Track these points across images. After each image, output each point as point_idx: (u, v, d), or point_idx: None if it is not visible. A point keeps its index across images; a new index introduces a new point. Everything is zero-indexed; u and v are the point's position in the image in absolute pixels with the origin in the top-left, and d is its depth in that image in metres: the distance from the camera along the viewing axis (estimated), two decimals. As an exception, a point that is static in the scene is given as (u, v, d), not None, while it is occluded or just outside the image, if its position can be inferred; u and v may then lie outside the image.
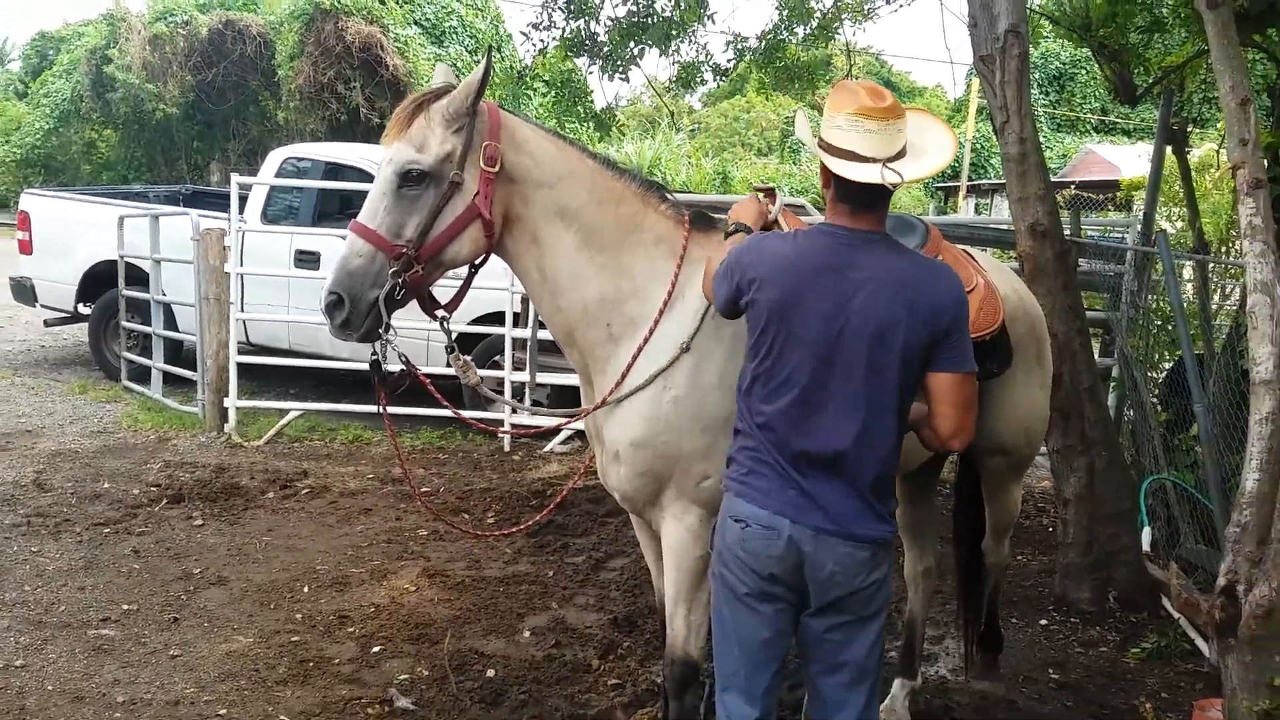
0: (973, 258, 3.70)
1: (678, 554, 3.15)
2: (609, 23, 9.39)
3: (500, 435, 8.22)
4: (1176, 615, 5.14)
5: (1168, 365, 6.86)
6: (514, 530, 5.33)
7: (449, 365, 3.21)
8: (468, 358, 3.25)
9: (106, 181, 25.33)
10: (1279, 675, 3.15)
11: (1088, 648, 5.04)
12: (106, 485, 6.89)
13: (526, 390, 8.06)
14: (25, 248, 10.76)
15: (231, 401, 8.36)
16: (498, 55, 23.51)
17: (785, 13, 9.93)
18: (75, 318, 10.90)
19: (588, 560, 5.87)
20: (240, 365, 8.44)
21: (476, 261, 3.15)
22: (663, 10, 9.43)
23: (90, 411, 9.05)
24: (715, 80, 10.84)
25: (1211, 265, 7.17)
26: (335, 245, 7.53)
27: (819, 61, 10.86)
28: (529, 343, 8.00)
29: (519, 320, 8.15)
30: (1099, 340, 7.97)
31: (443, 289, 3.15)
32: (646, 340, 3.11)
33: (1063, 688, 4.59)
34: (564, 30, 9.54)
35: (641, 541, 3.76)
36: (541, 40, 9.62)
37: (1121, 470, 5.49)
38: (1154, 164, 7.24)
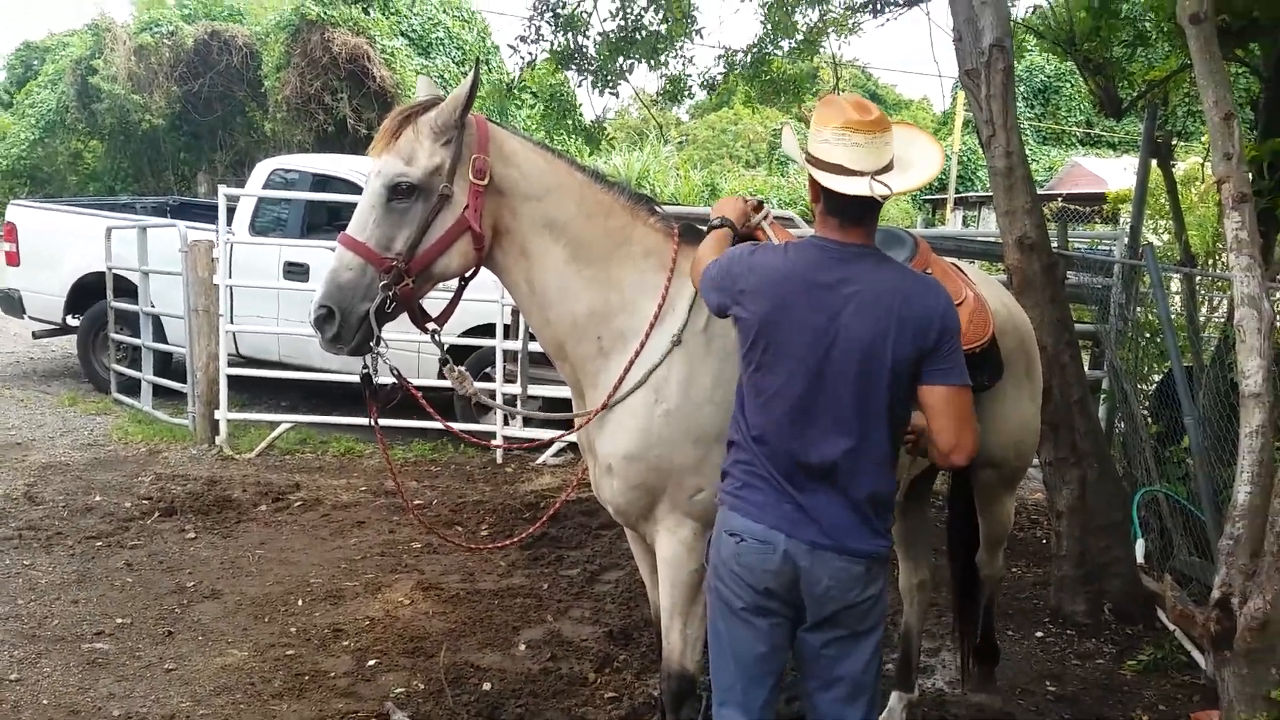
0: (962, 271, 3.72)
1: (672, 567, 3.16)
2: (598, 37, 9.41)
3: (493, 448, 8.21)
4: (1172, 627, 5.16)
5: (1157, 377, 6.90)
6: (508, 543, 5.33)
7: (441, 377, 3.22)
8: (463, 369, 3.26)
9: (93, 193, 25.21)
10: (1275, 687, 3.18)
11: (1084, 660, 5.05)
12: (98, 498, 6.87)
13: (518, 402, 8.07)
14: (12, 259, 10.71)
15: (222, 414, 8.34)
16: (485, 67, 23.52)
17: (770, 27, 9.97)
18: (63, 330, 10.87)
19: (582, 573, 5.87)
20: (230, 377, 8.43)
21: (466, 274, 3.16)
22: (651, 24, 9.46)
23: (80, 424, 9.02)
24: (703, 93, 10.88)
25: (1199, 278, 7.22)
26: (324, 257, 7.54)
27: (805, 75, 10.92)
28: (520, 355, 8.01)
29: (510, 332, 8.16)
30: (1088, 353, 8.03)
31: (433, 301, 3.15)
32: (637, 354, 3.11)
33: (1059, 700, 4.60)
34: (552, 43, 9.56)
35: (636, 555, 3.76)
36: (529, 53, 9.64)
37: (1113, 482, 5.53)
38: (1139, 177, 7.31)
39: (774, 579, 2.61)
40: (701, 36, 9.81)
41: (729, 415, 3.01)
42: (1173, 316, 6.36)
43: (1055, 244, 6.48)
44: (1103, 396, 7.33)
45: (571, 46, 9.47)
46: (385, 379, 3.14)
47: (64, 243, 10.43)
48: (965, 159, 28.37)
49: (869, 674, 2.68)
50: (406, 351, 8.02)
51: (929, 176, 2.69)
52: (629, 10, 9.30)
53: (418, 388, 3.39)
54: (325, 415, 8.80)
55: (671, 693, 3.25)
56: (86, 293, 10.30)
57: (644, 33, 9.43)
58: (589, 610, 5.38)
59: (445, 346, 3.22)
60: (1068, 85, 29.67)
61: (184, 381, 8.71)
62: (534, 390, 8.09)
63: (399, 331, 3.07)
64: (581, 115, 11.47)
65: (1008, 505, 4.18)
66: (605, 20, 9.41)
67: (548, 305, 3.17)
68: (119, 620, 5.03)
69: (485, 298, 7.67)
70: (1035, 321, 4.78)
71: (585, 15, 9.37)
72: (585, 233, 3.14)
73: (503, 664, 4.73)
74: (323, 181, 9.46)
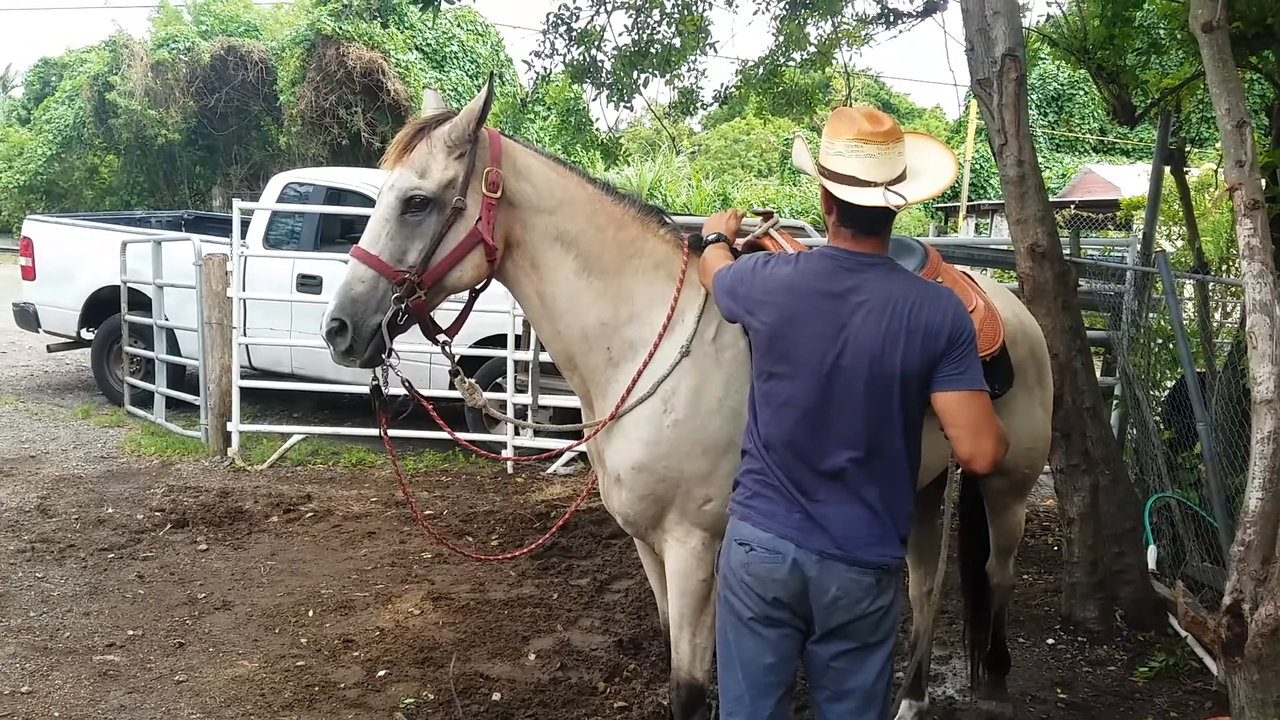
0: (973, 280, 3.72)
1: (681, 577, 3.15)
2: (613, 51, 9.43)
3: (503, 459, 8.22)
4: (1184, 634, 5.13)
5: (1170, 384, 6.87)
6: (517, 553, 5.32)
7: (452, 388, 3.22)
8: (472, 381, 3.27)
9: (109, 207, 25.46)
10: (1286, 694, 3.15)
11: (1095, 667, 5.02)
12: (110, 510, 6.90)
13: (529, 412, 8.08)
14: (28, 274, 10.80)
15: (234, 426, 8.38)
16: (499, 80, 23.62)
17: (783, 39, 9.97)
18: (78, 343, 10.95)
19: (592, 582, 5.86)
20: (243, 389, 8.47)
21: (478, 286, 3.17)
22: (664, 39, 9.47)
23: (94, 437, 9.06)
24: (716, 104, 10.88)
25: (1211, 284, 7.19)
26: (337, 269, 7.56)
27: (817, 85, 10.91)
28: (531, 365, 8.02)
29: (520, 343, 8.17)
30: (1101, 359, 7.99)
31: (444, 313, 3.16)
32: (646, 364, 3.11)
33: (1070, 707, 4.57)
34: (565, 57, 9.58)
35: (645, 564, 3.76)
36: (544, 68, 9.67)
37: (1125, 489, 5.49)
38: (1153, 184, 7.27)
39: (782, 589, 2.60)
40: (715, 50, 9.81)
41: (738, 425, 3.02)
42: (1185, 323, 6.32)
43: (1068, 251, 6.46)
44: (1115, 403, 7.29)
45: (586, 60, 9.49)
46: (396, 390, 3.15)
47: (79, 257, 10.52)
48: (978, 167, 28.34)
49: (879, 686, 2.66)
50: (418, 362, 8.05)
51: (943, 184, 2.66)
52: (642, 24, 9.32)
53: (428, 398, 3.40)
54: (337, 426, 8.84)
55: (680, 702, 3.24)
56: (101, 306, 10.39)
57: (658, 46, 9.45)
58: (599, 620, 5.37)
59: (456, 358, 3.23)
60: (1081, 93, 29.60)
61: (197, 394, 8.76)
62: (545, 400, 8.11)
63: (410, 343, 3.08)
64: (598, 129, 11.51)
65: (1018, 513, 4.16)
66: (621, 34, 9.44)
67: (558, 317, 3.18)
68: (130, 632, 5.05)
69: (496, 308, 7.68)
70: (1047, 329, 4.76)
71: (599, 29, 9.40)
72: (596, 245, 3.15)
73: (512, 674, 4.73)
74: (336, 195, 9.51)
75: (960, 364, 2.55)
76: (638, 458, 3.10)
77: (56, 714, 4.23)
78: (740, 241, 3.32)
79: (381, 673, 4.70)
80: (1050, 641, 5.30)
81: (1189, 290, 7.69)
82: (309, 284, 8.88)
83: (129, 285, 9.63)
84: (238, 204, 8.51)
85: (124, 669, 4.66)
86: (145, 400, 9.72)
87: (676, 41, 9.40)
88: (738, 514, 2.72)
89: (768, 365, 2.65)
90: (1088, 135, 30.75)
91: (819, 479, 2.58)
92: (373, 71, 21.72)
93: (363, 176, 9.80)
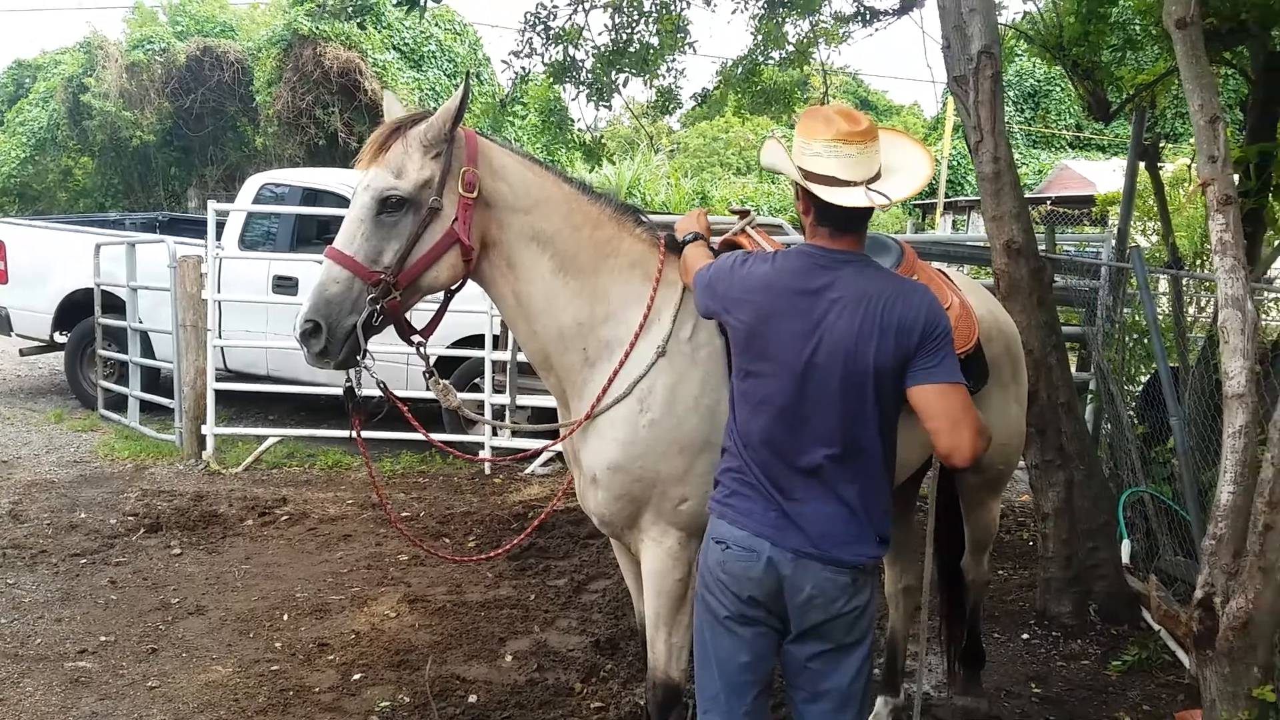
0: (948, 277, 3.72)
1: (657, 577, 3.15)
2: (592, 50, 9.41)
3: (480, 461, 8.19)
4: (1157, 627, 5.16)
5: (1144, 379, 6.91)
6: (493, 554, 5.30)
7: (428, 389, 3.20)
8: (447, 381, 3.24)
9: (83, 209, 25.22)
10: (1257, 686, 3.16)
11: (1069, 661, 5.04)
12: (83, 515, 6.83)
13: (507, 412, 8.05)
14: (0, 277, 10.69)
15: (209, 429, 8.32)
16: (476, 80, 23.57)
17: (761, 38, 9.98)
18: (51, 347, 10.84)
19: (569, 583, 5.85)
20: (218, 392, 8.41)
21: (454, 287, 3.15)
22: (642, 37, 9.46)
23: (66, 441, 8.98)
24: (695, 104, 10.87)
25: (1185, 279, 7.23)
26: (313, 271, 7.52)
27: (796, 83, 10.92)
28: (508, 365, 7.99)
29: (498, 343, 8.14)
30: (1076, 355, 8.03)
31: (418, 314, 3.14)
32: (622, 364, 3.10)
33: (1045, 701, 4.59)
34: (544, 56, 9.56)
35: (622, 564, 3.75)
36: (523, 68, 9.64)
37: (1100, 484, 5.52)
38: (1127, 180, 7.32)
39: (757, 587, 2.60)
40: (694, 50, 9.81)
41: (714, 424, 3.02)
42: (1159, 318, 6.36)
43: (1043, 247, 6.48)
44: (1089, 398, 7.33)
45: (565, 60, 9.47)
46: (371, 391, 3.13)
47: (52, 260, 10.41)
48: (955, 163, 28.43)
49: (856, 686, 2.66)
50: (395, 363, 8.01)
51: (922, 182, 2.67)
52: (621, 24, 9.31)
53: (404, 400, 3.37)
54: (313, 429, 8.79)
55: (657, 702, 3.24)
56: (75, 309, 10.28)
57: (636, 46, 9.43)
58: (576, 620, 5.35)
59: (432, 358, 3.21)
60: (1058, 89, 29.72)
61: (171, 397, 8.69)
62: (522, 400, 8.08)
63: (387, 344, 3.05)
64: (580, 130, 11.48)
65: (993, 509, 4.17)
66: (601, 34, 9.43)
67: (534, 317, 3.17)
68: (102, 638, 5.00)
69: (473, 309, 7.65)
70: (1022, 325, 4.78)
71: (577, 28, 9.38)
72: (572, 244, 3.14)
73: (489, 675, 4.71)
74: (312, 195, 9.46)
75: (935, 358, 2.54)
76: (613, 458, 3.08)
77: (26, 722, 4.19)
78: (717, 240, 3.31)
79: (357, 676, 4.67)
80: (1025, 636, 5.32)
81: (1164, 285, 7.74)
82: (285, 285, 8.82)
83: (103, 288, 9.54)
84: (213, 205, 8.46)
85: (96, 675, 4.61)
86: (119, 404, 9.65)
87: (655, 41, 9.39)
88: (716, 512, 2.72)
89: (745, 363, 2.65)
90: (1064, 131, 30.89)
91: (796, 477, 2.58)
92: (350, 71, 21.59)
93: (339, 177, 9.75)
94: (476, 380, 8.41)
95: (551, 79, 9.56)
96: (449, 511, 7.12)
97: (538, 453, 7.89)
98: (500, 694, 4.50)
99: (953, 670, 4.40)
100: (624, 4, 9.12)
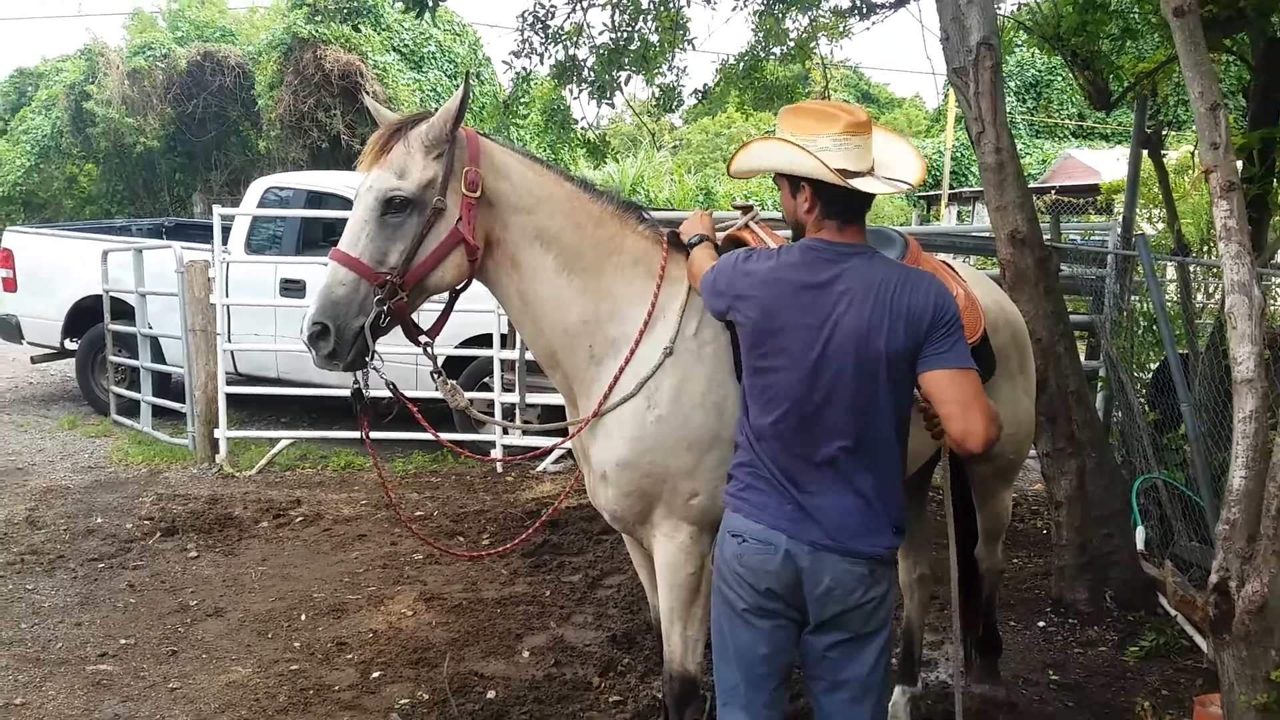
0: (953, 269, 3.74)
1: (670, 571, 3.17)
2: (592, 49, 9.43)
3: (491, 460, 8.23)
4: (1173, 613, 5.17)
5: (1153, 366, 6.91)
6: (504, 549, 5.33)
7: (437, 389, 3.22)
8: (454, 382, 3.26)
9: (89, 216, 25.24)
10: (1274, 669, 3.17)
11: (1086, 648, 5.06)
12: (99, 520, 6.87)
13: (516, 411, 8.08)
14: (9, 285, 10.74)
15: (222, 432, 8.36)
16: (477, 80, 23.57)
17: (762, 34, 10.00)
18: (62, 354, 10.88)
19: (584, 578, 5.88)
20: (229, 395, 8.45)
21: (459, 286, 3.17)
22: (643, 34, 9.47)
23: (80, 447, 9.03)
24: (696, 100, 10.90)
25: (1192, 266, 7.23)
26: (320, 273, 7.56)
27: (797, 78, 10.95)
28: (517, 364, 8.02)
29: (506, 342, 8.17)
30: (1084, 343, 8.04)
31: (425, 314, 3.16)
32: (628, 360, 3.12)
33: (1063, 688, 4.61)
34: (545, 56, 9.57)
35: (635, 559, 3.78)
36: (523, 68, 9.66)
37: (1112, 471, 5.53)
38: (1131, 168, 7.31)
39: (775, 580, 2.61)
40: (694, 47, 9.83)
41: (721, 419, 3.04)
42: (1167, 305, 6.36)
43: (1048, 237, 6.50)
44: (1099, 386, 7.34)
45: (566, 59, 9.49)
46: (380, 392, 3.15)
47: (60, 267, 10.46)
48: (958, 155, 28.39)
49: (875, 676, 2.67)
50: (404, 364, 8.04)
51: (920, 168, 2.71)
52: (620, 22, 9.32)
53: (414, 400, 3.40)
54: (324, 430, 8.83)
55: (674, 695, 3.25)
56: (84, 316, 10.33)
57: (636, 44, 9.45)
58: (591, 615, 5.38)
59: (439, 358, 3.23)
60: (1059, 79, 29.69)
61: (183, 401, 8.74)
62: (532, 399, 8.11)
63: (395, 345, 3.08)
64: (583, 128, 11.48)
65: (1005, 498, 4.19)
66: (601, 33, 9.44)
67: (539, 315, 3.18)
68: (122, 641, 5.04)
69: (481, 308, 7.67)
70: (1029, 315, 4.79)
71: (577, 27, 9.40)
72: (575, 243, 3.16)
73: (507, 671, 4.74)
74: (317, 198, 9.50)
75: (945, 343, 2.55)
76: (622, 455, 3.10)
77: (51, 725, 4.23)
78: (720, 236, 3.33)
79: (376, 674, 4.70)
80: (1041, 624, 5.34)
81: (1170, 272, 7.74)
82: (292, 288, 8.85)
83: (111, 294, 9.59)
84: (218, 210, 8.48)
85: (117, 678, 4.65)
86: (131, 409, 9.69)
87: (655, 38, 9.41)
88: (731, 506, 2.73)
89: (755, 359, 2.66)
90: (1066, 121, 30.86)
91: (811, 469, 2.59)
92: (350, 74, 21.59)
93: (343, 179, 9.78)
94: (486, 379, 8.44)
95: (556, 79, 9.58)
96: (462, 510, 7.16)
97: (549, 450, 7.92)
98: (518, 689, 4.53)
99: (969, 659, 4.42)
100: (622, 1, 9.14)
